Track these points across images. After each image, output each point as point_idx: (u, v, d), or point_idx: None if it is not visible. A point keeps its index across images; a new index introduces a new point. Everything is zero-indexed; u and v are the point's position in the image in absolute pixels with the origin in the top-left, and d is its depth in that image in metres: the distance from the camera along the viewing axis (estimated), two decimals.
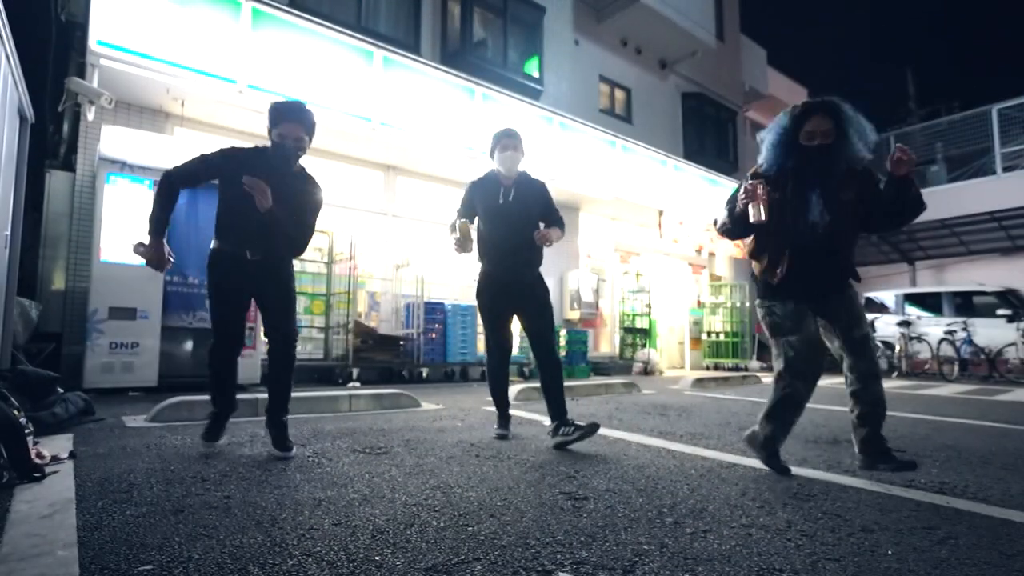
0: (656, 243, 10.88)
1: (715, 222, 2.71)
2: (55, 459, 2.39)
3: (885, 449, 2.39)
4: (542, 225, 3.35)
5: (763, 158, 2.54)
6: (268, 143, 2.69)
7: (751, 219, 2.38)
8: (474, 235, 3.30)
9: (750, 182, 2.43)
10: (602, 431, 3.60)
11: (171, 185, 2.57)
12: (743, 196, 2.43)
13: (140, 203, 5.01)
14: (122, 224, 4.93)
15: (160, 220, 2.54)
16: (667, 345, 11.90)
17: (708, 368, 11.71)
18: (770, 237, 2.50)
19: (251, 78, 5.71)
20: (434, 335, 7.23)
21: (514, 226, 3.24)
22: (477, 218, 3.38)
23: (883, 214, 2.44)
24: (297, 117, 2.62)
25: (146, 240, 2.53)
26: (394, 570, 1.39)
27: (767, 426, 2.52)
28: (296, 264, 7.26)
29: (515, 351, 3.51)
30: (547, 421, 3.92)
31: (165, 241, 2.56)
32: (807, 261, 2.41)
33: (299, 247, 2.79)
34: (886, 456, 2.38)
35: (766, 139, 2.54)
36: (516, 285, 3.26)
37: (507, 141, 3.33)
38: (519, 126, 8.34)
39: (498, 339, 3.37)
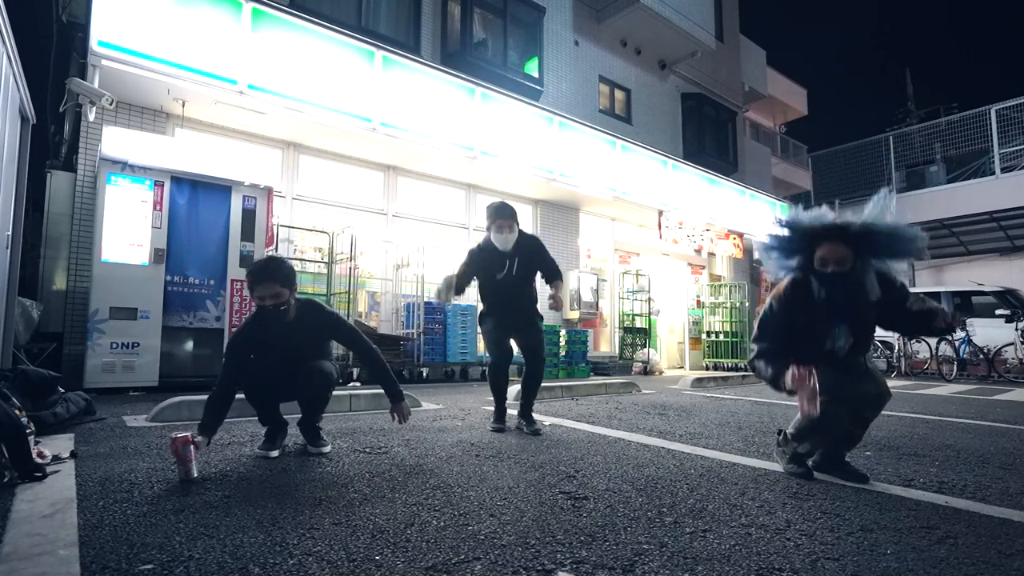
0: (656, 243, 10.89)
1: (753, 368, 2.41)
2: (56, 459, 2.39)
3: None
4: (540, 279, 3.64)
5: (772, 272, 2.42)
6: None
7: (801, 413, 2.20)
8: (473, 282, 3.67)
9: (800, 368, 2.14)
10: (602, 431, 3.62)
11: (222, 392, 2.61)
12: (791, 383, 2.18)
13: (141, 203, 5.02)
14: (123, 224, 4.94)
15: (210, 425, 2.51)
16: (667, 345, 11.91)
17: (708, 368, 11.72)
18: (789, 352, 2.30)
19: (252, 78, 5.71)
20: (434, 335, 7.23)
21: (516, 290, 3.55)
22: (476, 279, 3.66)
23: (903, 325, 2.39)
24: (267, 277, 2.60)
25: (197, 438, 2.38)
26: (394, 569, 1.40)
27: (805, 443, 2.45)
28: (296, 264, 7.19)
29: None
30: (547, 421, 3.94)
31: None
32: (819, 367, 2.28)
33: (374, 363, 2.79)
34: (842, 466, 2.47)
35: (772, 254, 2.36)
36: (516, 323, 3.59)
37: (502, 222, 3.48)
38: (519, 126, 8.42)
39: (499, 350, 3.63)
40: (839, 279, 2.19)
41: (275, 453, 2.68)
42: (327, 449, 2.74)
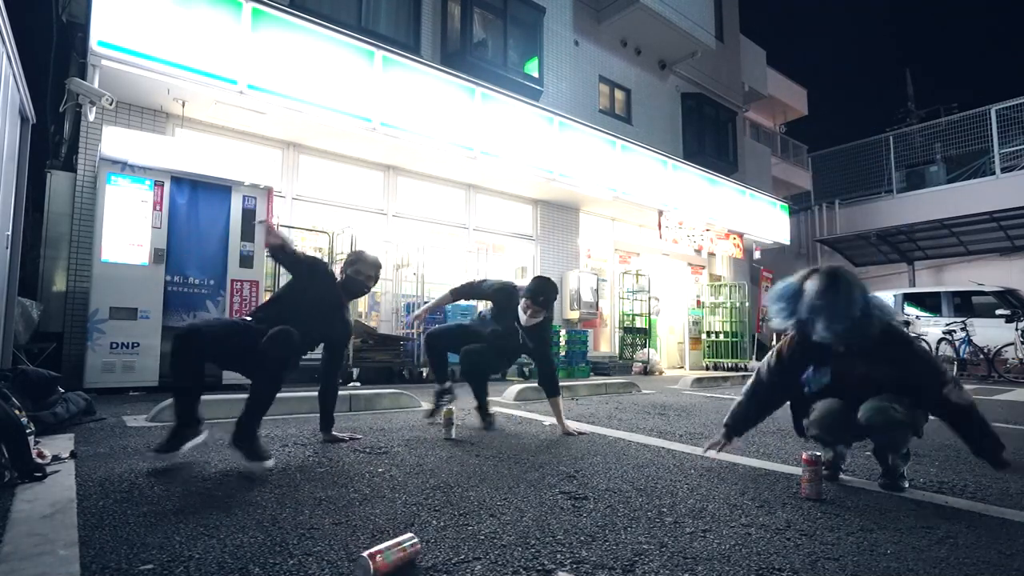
0: (656, 243, 10.89)
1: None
2: (56, 459, 2.39)
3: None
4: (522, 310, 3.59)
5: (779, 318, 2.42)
6: None
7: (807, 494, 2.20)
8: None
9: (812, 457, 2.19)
10: (602, 431, 3.62)
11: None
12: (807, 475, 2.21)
13: (140, 203, 5.02)
14: (123, 224, 4.93)
15: None
16: (667, 345, 11.91)
17: (708, 368, 11.72)
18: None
19: (251, 78, 5.71)
20: None
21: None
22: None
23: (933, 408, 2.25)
24: None
25: None
26: None
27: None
28: None
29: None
30: (547, 421, 3.94)
31: None
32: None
33: None
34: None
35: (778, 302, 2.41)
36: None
37: (537, 308, 3.52)
38: (519, 126, 8.42)
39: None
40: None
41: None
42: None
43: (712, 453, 2.63)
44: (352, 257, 3.15)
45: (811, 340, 2.30)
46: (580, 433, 3.46)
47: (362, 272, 3.08)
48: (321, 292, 2.92)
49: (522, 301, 3.52)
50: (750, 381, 2.59)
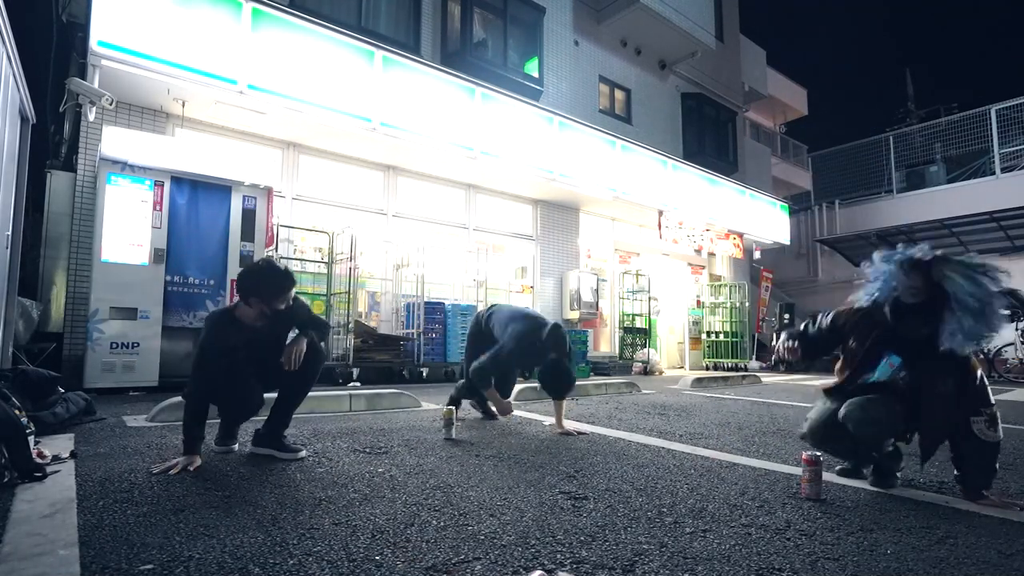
0: (656, 243, 10.89)
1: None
2: (56, 459, 2.39)
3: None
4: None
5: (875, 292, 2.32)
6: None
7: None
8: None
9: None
10: (602, 431, 3.62)
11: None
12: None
13: (140, 203, 5.02)
14: (123, 224, 4.93)
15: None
16: (667, 345, 11.91)
17: (708, 368, 11.72)
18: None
19: (251, 78, 5.71)
20: (434, 335, 7.24)
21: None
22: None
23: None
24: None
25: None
26: (394, 569, 1.40)
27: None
28: (296, 264, 7.19)
29: None
30: (547, 421, 3.94)
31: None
32: None
33: None
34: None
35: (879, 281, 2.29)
36: None
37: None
38: (519, 126, 8.41)
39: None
40: (909, 310, 2.17)
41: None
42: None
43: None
44: (276, 282, 2.55)
45: (882, 323, 2.20)
46: (580, 433, 3.46)
47: (291, 296, 2.64)
48: (256, 344, 2.59)
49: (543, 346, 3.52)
50: (802, 324, 2.54)
